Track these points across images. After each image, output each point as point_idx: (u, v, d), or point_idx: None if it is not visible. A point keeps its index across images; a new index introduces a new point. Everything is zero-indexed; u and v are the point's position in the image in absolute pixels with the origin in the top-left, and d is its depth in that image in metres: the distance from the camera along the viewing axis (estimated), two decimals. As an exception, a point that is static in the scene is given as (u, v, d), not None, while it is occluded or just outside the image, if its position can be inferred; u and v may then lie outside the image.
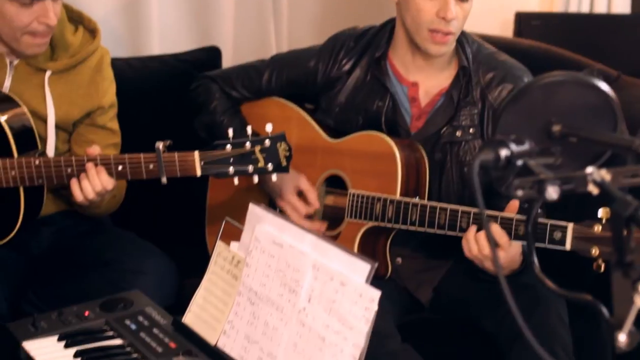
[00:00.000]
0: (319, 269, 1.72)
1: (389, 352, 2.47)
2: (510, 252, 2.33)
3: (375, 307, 1.60)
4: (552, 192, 1.28)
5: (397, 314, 2.65)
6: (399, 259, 2.75)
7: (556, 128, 1.55)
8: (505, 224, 2.34)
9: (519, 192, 1.29)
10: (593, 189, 1.30)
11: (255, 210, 1.91)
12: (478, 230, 2.37)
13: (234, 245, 1.95)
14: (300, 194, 2.76)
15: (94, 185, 2.41)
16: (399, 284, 2.75)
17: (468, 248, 2.38)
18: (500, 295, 2.51)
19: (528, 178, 1.30)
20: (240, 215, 1.99)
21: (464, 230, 2.44)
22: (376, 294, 1.61)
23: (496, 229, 2.32)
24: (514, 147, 1.35)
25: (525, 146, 1.37)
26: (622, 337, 1.21)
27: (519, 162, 1.35)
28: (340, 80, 2.76)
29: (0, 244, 2.56)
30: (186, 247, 2.89)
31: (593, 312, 2.73)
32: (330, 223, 2.74)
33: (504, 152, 1.34)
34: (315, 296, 1.71)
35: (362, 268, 1.65)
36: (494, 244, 2.29)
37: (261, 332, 1.81)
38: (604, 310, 1.34)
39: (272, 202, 2.80)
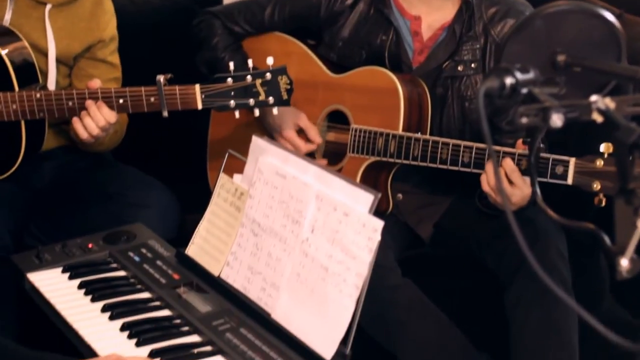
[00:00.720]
0: (322, 200, 1.72)
1: (389, 286, 2.49)
2: (525, 190, 2.33)
3: (378, 237, 1.61)
4: (557, 120, 1.28)
5: (397, 249, 2.66)
6: (400, 195, 2.76)
7: (560, 58, 1.55)
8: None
9: (524, 120, 1.29)
10: (597, 117, 1.30)
11: (258, 142, 1.91)
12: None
13: (237, 177, 1.95)
14: (300, 132, 2.76)
15: (96, 120, 2.41)
16: (400, 219, 2.76)
17: (486, 181, 2.38)
18: (501, 230, 2.55)
19: (533, 105, 1.30)
20: (242, 152, 1.99)
21: (466, 165, 2.44)
22: (379, 224, 1.61)
23: (508, 164, 2.31)
24: (519, 75, 1.34)
25: (530, 75, 1.36)
26: (624, 262, 1.22)
27: (524, 91, 1.35)
28: (344, 14, 2.74)
29: (2, 177, 2.57)
30: (187, 183, 2.89)
31: (592, 249, 2.77)
32: (332, 159, 2.74)
33: (509, 80, 1.34)
34: (319, 227, 1.72)
35: (366, 198, 1.66)
36: (498, 175, 2.30)
37: (264, 263, 1.82)
38: (606, 239, 1.34)
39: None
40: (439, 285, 2.67)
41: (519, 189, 2.32)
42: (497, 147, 2.38)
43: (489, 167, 2.37)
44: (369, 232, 1.62)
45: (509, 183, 2.35)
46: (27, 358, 1.60)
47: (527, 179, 2.32)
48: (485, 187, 2.39)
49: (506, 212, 1.30)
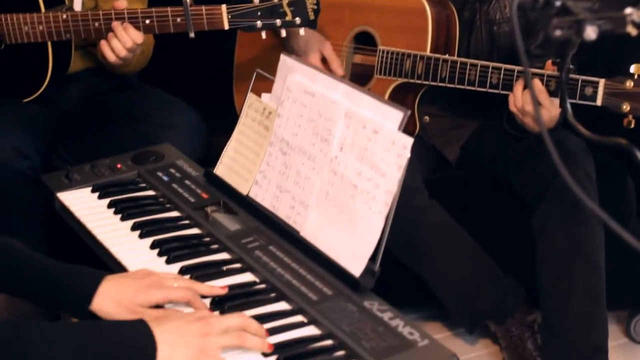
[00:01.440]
0: (351, 118, 1.71)
1: (416, 207, 2.50)
2: (552, 111, 2.31)
3: (407, 154, 1.60)
4: (591, 32, 1.26)
5: (424, 171, 2.66)
6: (427, 118, 2.75)
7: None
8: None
9: (557, 32, 1.27)
10: (632, 30, 1.28)
11: (286, 61, 1.90)
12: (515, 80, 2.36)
13: (265, 96, 1.95)
14: (324, 60, 2.74)
15: (123, 42, 2.41)
16: (427, 142, 2.76)
17: (513, 102, 2.37)
18: (528, 152, 2.54)
19: (567, 17, 1.28)
20: (269, 74, 1.98)
21: (494, 86, 2.43)
22: (409, 141, 1.61)
23: (537, 85, 2.30)
24: (552, -13, 1.32)
25: (564, -13, 1.34)
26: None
27: (557, 3, 1.32)
28: None
29: (30, 99, 2.58)
30: (214, 105, 2.89)
31: (619, 173, 2.75)
32: (359, 81, 2.73)
33: (542, -8, 1.32)
34: (347, 144, 1.71)
35: (395, 116, 1.65)
36: (532, 91, 2.29)
37: (293, 181, 1.82)
38: (639, 154, 1.33)
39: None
40: (465, 208, 2.67)
41: (547, 110, 2.30)
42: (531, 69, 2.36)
43: (518, 87, 2.36)
44: (399, 149, 1.62)
45: (533, 103, 2.34)
46: (58, 268, 1.61)
47: (555, 101, 2.30)
48: (513, 107, 2.38)
49: (541, 128, 1.29)
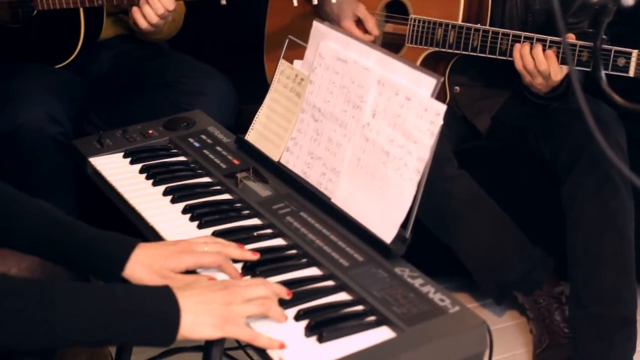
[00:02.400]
0: (383, 84, 1.71)
1: (445, 177, 2.50)
2: (553, 79, 2.34)
3: (440, 121, 1.60)
4: (629, -1, 1.25)
5: (454, 141, 2.66)
6: (457, 88, 2.74)
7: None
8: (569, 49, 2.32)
9: (595, -2, 1.26)
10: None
11: (319, 27, 1.90)
12: (544, 49, 2.35)
13: (297, 63, 1.94)
14: (358, 22, 2.74)
15: (155, 8, 2.41)
16: (457, 112, 2.75)
17: (519, 61, 2.37)
18: (559, 122, 2.53)
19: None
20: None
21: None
22: (442, 107, 1.60)
23: (547, 52, 2.31)
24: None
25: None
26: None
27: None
28: None
29: (62, 65, 2.59)
30: (244, 74, 2.89)
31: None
32: (390, 50, 2.71)
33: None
34: (380, 111, 1.71)
35: (428, 82, 1.64)
36: (572, 65, 2.30)
37: (324, 148, 1.83)
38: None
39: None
40: (494, 178, 2.67)
41: (554, 75, 2.32)
42: (558, 39, 2.34)
43: (524, 47, 2.36)
44: (431, 115, 1.62)
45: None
46: (91, 233, 1.62)
47: (564, 69, 2.34)
48: (518, 65, 2.39)
49: (570, 74, 1.28)
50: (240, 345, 2.55)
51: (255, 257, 1.65)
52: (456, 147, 2.66)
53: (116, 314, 1.41)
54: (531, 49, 2.36)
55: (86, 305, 1.40)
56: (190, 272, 1.62)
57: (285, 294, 1.52)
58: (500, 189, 2.64)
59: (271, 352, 1.43)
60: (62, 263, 1.65)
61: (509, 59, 2.44)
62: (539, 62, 2.33)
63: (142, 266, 1.58)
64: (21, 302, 1.36)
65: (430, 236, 2.59)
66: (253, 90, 2.33)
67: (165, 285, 1.48)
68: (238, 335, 1.45)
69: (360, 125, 1.75)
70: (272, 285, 1.52)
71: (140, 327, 1.41)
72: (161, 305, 1.43)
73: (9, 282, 1.40)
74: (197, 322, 1.43)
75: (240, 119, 2.61)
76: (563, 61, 2.32)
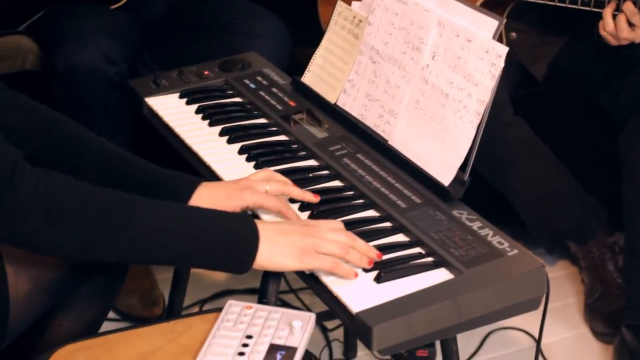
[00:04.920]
0: (444, 26, 1.69)
1: (500, 123, 2.48)
2: None
3: (501, 63, 1.58)
4: None
5: (510, 87, 2.63)
6: (514, 34, 2.70)
7: None
8: None
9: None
10: None
11: (378, -32, 1.88)
12: (616, 9, 2.31)
13: (355, 4, 1.92)
14: None
15: None
16: (513, 58, 2.71)
17: (603, 26, 2.33)
18: (618, 70, 2.49)
19: None
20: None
21: (585, 3, 2.39)
22: (504, 49, 1.58)
23: (629, 7, 2.25)
24: None
25: None
26: None
27: None
28: None
29: (116, 6, 2.59)
30: (297, 18, 2.86)
31: None
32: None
33: None
34: (440, 53, 1.70)
35: (490, 24, 1.62)
36: None
37: (382, 90, 1.81)
38: None
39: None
40: (550, 125, 2.64)
41: None
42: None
43: (607, 11, 2.31)
44: (493, 57, 1.60)
45: (629, 26, 2.29)
46: (154, 171, 1.63)
47: None
48: (602, 31, 2.34)
49: None
50: (292, 289, 2.59)
51: (316, 199, 1.64)
52: (512, 93, 2.62)
53: (195, 232, 1.41)
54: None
55: (166, 220, 1.40)
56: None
57: (375, 255, 1.49)
58: (555, 136, 2.61)
59: (332, 289, 1.44)
60: None
61: (568, 5, 2.40)
62: (620, 29, 2.28)
63: (204, 204, 1.59)
64: (101, 208, 1.37)
65: (482, 182, 2.57)
66: (306, 34, 2.31)
67: (244, 213, 1.47)
68: (317, 266, 1.44)
69: (419, 67, 1.73)
70: (357, 240, 1.49)
71: (218, 248, 1.41)
72: (241, 229, 1.43)
73: (89, 189, 1.40)
74: (275, 251, 1.43)
75: (294, 61, 2.59)
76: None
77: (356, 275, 1.44)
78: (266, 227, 1.45)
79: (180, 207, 1.45)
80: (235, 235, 1.42)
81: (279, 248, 1.43)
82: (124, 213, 1.38)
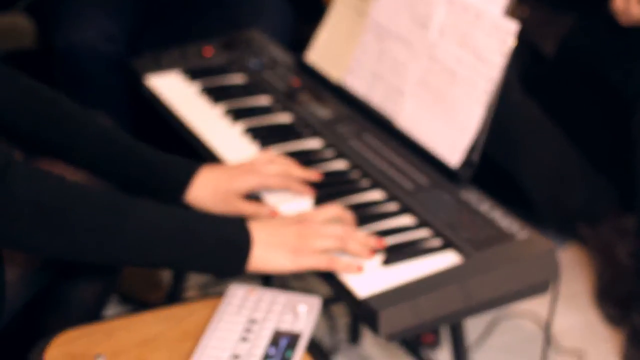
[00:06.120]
0: (452, 2, 1.64)
1: (509, 102, 2.43)
2: None
3: (511, 40, 1.55)
4: None
5: (519, 65, 2.58)
6: (523, 9, 2.65)
7: None
8: None
9: None
10: None
11: (385, -57, 1.83)
12: None
13: (360, -20, 1.88)
14: None
15: None
16: (522, 37, 2.66)
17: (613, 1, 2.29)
18: (630, 48, 2.44)
19: None
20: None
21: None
22: (513, 26, 1.54)
23: None
24: None
25: None
26: None
27: None
28: None
29: (117, -16, 2.55)
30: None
31: None
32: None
33: None
34: (448, 30, 1.65)
35: (499, 0, 1.58)
36: None
37: (389, 67, 1.77)
38: None
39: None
40: (559, 104, 2.60)
41: None
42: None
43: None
44: (502, 34, 1.56)
45: (638, 3, 2.25)
46: (154, 154, 1.58)
47: None
48: (614, 7, 2.29)
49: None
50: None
51: (318, 177, 1.60)
52: (521, 71, 2.58)
53: (188, 237, 1.37)
54: None
55: (159, 225, 1.35)
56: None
57: (375, 243, 1.44)
58: (564, 115, 2.56)
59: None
60: (120, 184, 1.61)
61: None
62: (632, 3, 2.24)
63: (206, 188, 1.55)
64: (93, 210, 1.33)
65: (489, 163, 2.53)
66: (308, 11, 2.26)
67: (240, 217, 1.44)
68: (312, 265, 1.40)
69: (426, 45, 1.69)
70: (353, 231, 1.45)
71: (210, 253, 1.37)
72: (234, 233, 1.39)
73: (82, 190, 1.35)
74: (268, 254, 1.39)
75: (297, 39, 2.54)
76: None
77: (359, 269, 1.40)
78: (259, 229, 1.40)
79: (174, 211, 1.40)
80: (228, 239, 1.38)
81: (272, 250, 1.39)
82: (117, 216, 1.33)
